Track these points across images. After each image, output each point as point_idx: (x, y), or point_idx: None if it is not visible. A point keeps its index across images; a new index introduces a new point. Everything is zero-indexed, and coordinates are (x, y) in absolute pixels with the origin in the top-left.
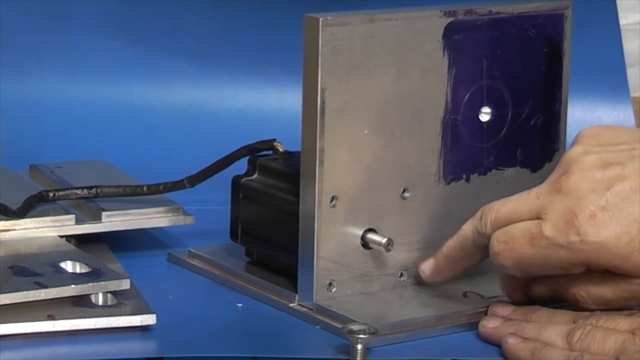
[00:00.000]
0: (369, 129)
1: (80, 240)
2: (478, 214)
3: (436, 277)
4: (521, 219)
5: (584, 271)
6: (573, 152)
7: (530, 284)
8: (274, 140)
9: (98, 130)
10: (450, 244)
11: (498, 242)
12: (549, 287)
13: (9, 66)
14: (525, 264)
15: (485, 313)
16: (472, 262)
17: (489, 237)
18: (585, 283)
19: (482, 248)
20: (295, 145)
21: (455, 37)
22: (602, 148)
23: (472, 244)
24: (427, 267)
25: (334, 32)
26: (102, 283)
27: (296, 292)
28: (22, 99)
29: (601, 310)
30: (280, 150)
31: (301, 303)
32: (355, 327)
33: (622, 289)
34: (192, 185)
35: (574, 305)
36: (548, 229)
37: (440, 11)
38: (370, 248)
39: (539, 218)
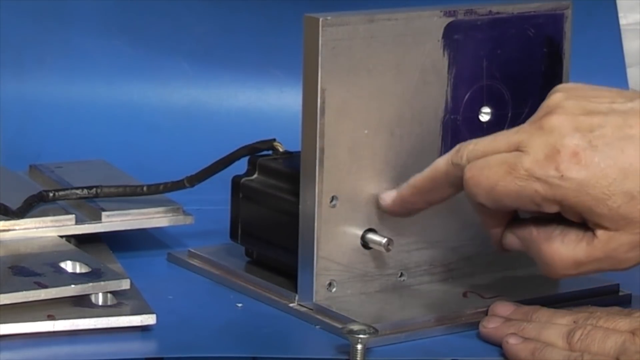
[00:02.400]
0: (369, 129)
1: (80, 240)
2: (455, 148)
3: (396, 208)
4: (499, 151)
5: (558, 230)
6: (555, 97)
7: (505, 231)
8: (274, 140)
9: (98, 130)
10: (420, 176)
11: (473, 168)
12: (521, 240)
13: (9, 66)
14: (498, 192)
15: (486, 313)
16: (440, 195)
17: (462, 168)
18: (558, 244)
19: (453, 181)
20: (295, 145)
21: (455, 37)
22: (583, 98)
23: (445, 176)
24: (388, 196)
25: (334, 32)
26: (102, 283)
27: (296, 292)
28: (22, 98)
29: (571, 275)
30: (280, 150)
31: (301, 303)
32: (355, 327)
33: (595, 248)
34: (192, 185)
35: (541, 271)
36: (527, 161)
37: (440, 11)
38: (370, 248)
39: (517, 151)
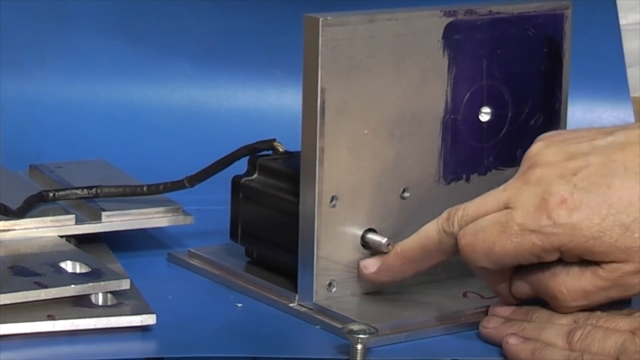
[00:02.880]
0: (369, 129)
1: (80, 240)
2: (444, 215)
3: (381, 277)
4: (489, 212)
5: (561, 265)
6: (535, 147)
7: (512, 280)
8: (274, 140)
9: (98, 130)
10: (408, 245)
11: (467, 234)
12: (528, 284)
13: (9, 66)
14: (496, 254)
15: (486, 313)
16: (431, 262)
17: (455, 236)
18: (564, 276)
19: (445, 249)
20: (295, 145)
21: (455, 37)
22: (562, 142)
23: (437, 245)
24: (371, 264)
25: (334, 32)
26: (102, 283)
27: (296, 292)
28: (22, 98)
29: (581, 309)
30: (280, 150)
31: (301, 303)
32: (355, 327)
33: (601, 278)
34: (192, 185)
35: (553, 308)
36: (518, 216)
37: (440, 11)
38: (370, 248)
39: (507, 209)
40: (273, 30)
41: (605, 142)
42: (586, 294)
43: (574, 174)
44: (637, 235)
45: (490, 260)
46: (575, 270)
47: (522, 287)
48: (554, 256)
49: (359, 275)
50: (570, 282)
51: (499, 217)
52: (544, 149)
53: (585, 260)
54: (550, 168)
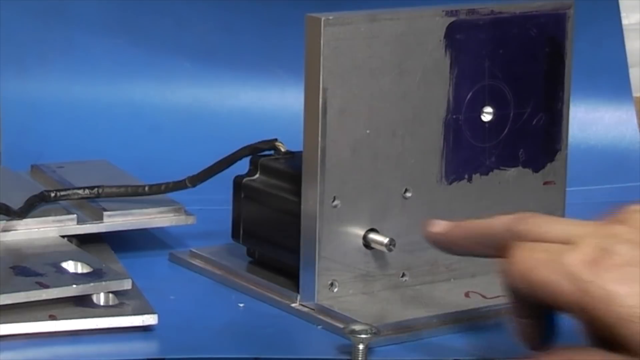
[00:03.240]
0: (371, 128)
1: (82, 240)
2: (517, 215)
3: (438, 237)
4: (557, 239)
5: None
6: (632, 207)
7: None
8: (276, 140)
9: (100, 129)
10: (475, 223)
11: (523, 248)
12: (531, 325)
13: (11, 65)
14: (528, 279)
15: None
16: (481, 250)
17: (514, 239)
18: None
19: (496, 245)
20: (297, 145)
21: (457, 36)
22: None
23: (494, 237)
24: (438, 224)
25: (336, 31)
26: (104, 283)
27: (298, 292)
28: (24, 98)
29: None
30: (282, 150)
31: (303, 303)
32: (357, 327)
33: None
34: (194, 185)
35: None
36: (571, 257)
37: (442, 11)
38: (372, 248)
39: (570, 244)
40: (275, 29)
41: None
42: None
43: (623, 241)
44: None
45: (524, 283)
46: (599, 353)
47: None
48: (581, 316)
49: (423, 233)
50: None
51: (557, 247)
52: (637, 213)
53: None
54: (630, 231)
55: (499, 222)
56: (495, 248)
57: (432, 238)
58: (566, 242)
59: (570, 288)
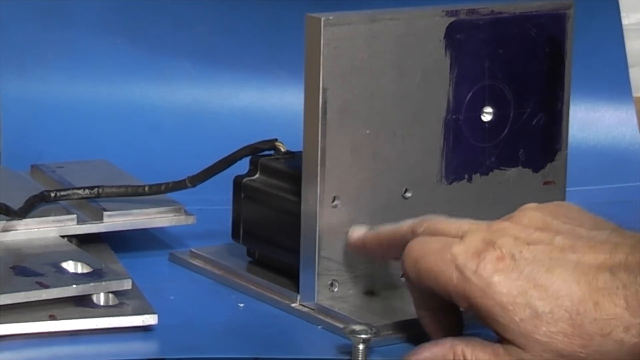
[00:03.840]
0: (371, 128)
1: (82, 240)
2: (421, 217)
3: (356, 246)
4: (450, 234)
5: (461, 337)
6: (528, 205)
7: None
8: (276, 140)
9: (100, 129)
10: (385, 228)
11: (418, 240)
12: (431, 317)
13: (11, 65)
14: (420, 267)
15: None
16: (393, 253)
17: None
18: (463, 347)
19: (403, 245)
20: (297, 145)
21: (457, 36)
22: (552, 214)
23: (401, 239)
24: (356, 232)
25: (336, 31)
26: (104, 283)
27: (298, 292)
28: (24, 98)
29: None
30: (282, 150)
31: (303, 303)
32: (357, 327)
33: (499, 358)
34: (194, 185)
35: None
36: (458, 248)
37: (442, 11)
38: None
39: (460, 237)
40: (275, 29)
41: (586, 234)
42: None
43: (529, 244)
44: (543, 329)
45: (413, 270)
46: (475, 345)
47: (424, 317)
48: (463, 304)
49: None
50: (469, 353)
51: (447, 240)
52: (530, 211)
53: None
54: (517, 228)
55: (405, 225)
56: (403, 248)
57: (350, 245)
58: (457, 236)
59: (454, 276)
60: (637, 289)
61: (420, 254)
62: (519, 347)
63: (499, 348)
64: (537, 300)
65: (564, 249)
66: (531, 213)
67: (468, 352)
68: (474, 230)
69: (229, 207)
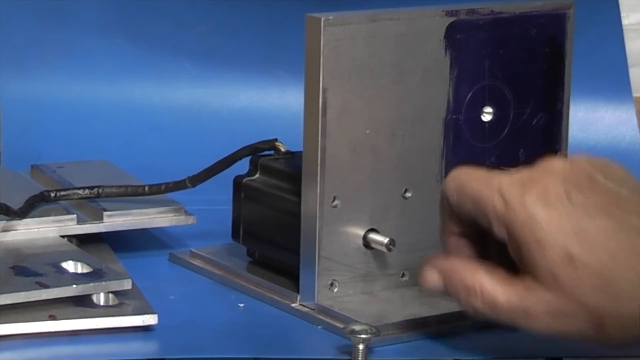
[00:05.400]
0: (371, 128)
1: (82, 240)
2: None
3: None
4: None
5: (489, 267)
6: (580, 155)
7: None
8: (276, 140)
9: (100, 129)
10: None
11: (462, 170)
12: (442, 273)
13: (11, 65)
14: (464, 191)
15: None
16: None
17: None
18: (483, 275)
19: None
20: (297, 145)
21: (457, 37)
22: (601, 171)
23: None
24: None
25: (336, 31)
26: (104, 283)
27: (298, 292)
28: (24, 98)
29: (486, 315)
30: (282, 150)
31: (303, 303)
32: (357, 327)
33: (516, 293)
34: (194, 185)
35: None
36: (505, 178)
37: (442, 11)
38: (372, 248)
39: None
40: (275, 29)
41: (630, 196)
42: (493, 304)
43: (577, 188)
44: (573, 274)
45: (457, 194)
46: (497, 275)
47: (432, 277)
48: (501, 233)
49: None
50: (485, 283)
51: (492, 171)
52: (580, 161)
53: (512, 272)
54: (566, 171)
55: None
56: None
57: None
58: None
59: (498, 203)
60: None
61: (465, 178)
62: (542, 284)
63: (518, 285)
64: (575, 245)
65: (610, 203)
66: (582, 162)
67: (486, 282)
68: (522, 169)
69: (229, 207)
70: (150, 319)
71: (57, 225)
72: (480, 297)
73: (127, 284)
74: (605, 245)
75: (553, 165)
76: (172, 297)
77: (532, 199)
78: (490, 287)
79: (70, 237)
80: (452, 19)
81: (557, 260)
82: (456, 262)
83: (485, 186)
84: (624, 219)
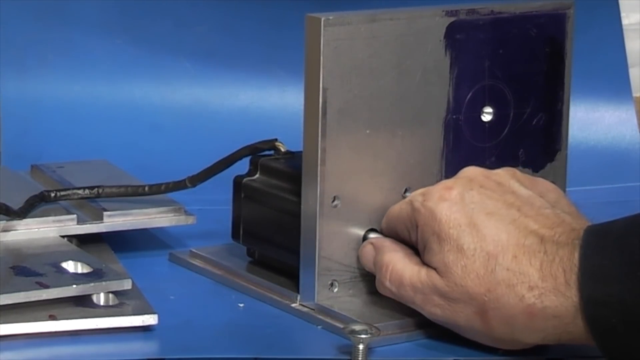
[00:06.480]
0: (371, 128)
1: (82, 240)
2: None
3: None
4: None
5: (409, 250)
6: (510, 169)
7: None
8: (276, 140)
9: (100, 129)
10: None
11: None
12: (375, 247)
13: (11, 65)
14: (388, 214)
15: None
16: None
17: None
18: (398, 256)
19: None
20: (297, 145)
21: (457, 37)
22: (522, 182)
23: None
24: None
25: (336, 31)
26: (104, 283)
27: (298, 292)
28: (24, 98)
29: (392, 293)
30: (282, 150)
31: (303, 303)
32: (357, 327)
33: (418, 277)
34: (194, 185)
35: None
36: (415, 192)
37: (442, 11)
38: None
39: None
40: (275, 29)
41: (538, 204)
42: (399, 283)
43: (481, 187)
44: (462, 263)
45: (384, 223)
46: (412, 259)
47: (368, 250)
48: (414, 237)
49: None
50: (398, 263)
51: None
52: (504, 171)
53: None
54: (478, 175)
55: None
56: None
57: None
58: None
59: (407, 211)
60: (555, 259)
61: (390, 210)
62: (438, 274)
63: (422, 268)
64: (466, 236)
65: (511, 205)
66: (503, 172)
67: (398, 262)
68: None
69: (229, 207)
70: (150, 319)
71: (57, 225)
72: (388, 275)
73: (127, 284)
74: (494, 238)
75: (468, 171)
76: (172, 297)
77: (434, 199)
78: (399, 267)
79: (70, 237)
80: (452, 19)
81: (449, 250)
82: (386, 241)
83: (402, 203)
84: (521, 221)
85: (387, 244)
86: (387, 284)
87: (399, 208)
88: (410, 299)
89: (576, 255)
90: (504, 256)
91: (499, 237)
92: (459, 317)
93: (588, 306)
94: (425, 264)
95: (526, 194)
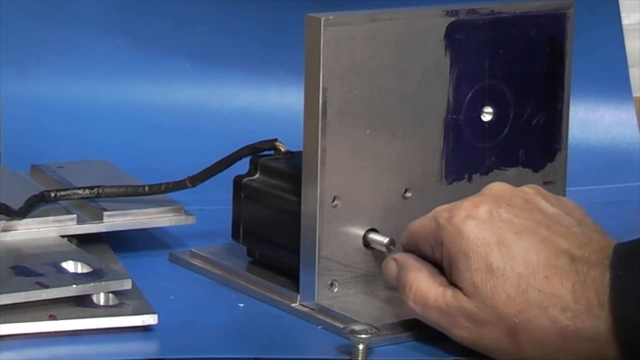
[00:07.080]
0: (371, 128)
1: (82, 240)
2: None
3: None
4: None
5: (431, 269)
6: (535, 186)
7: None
8: (276, 140)
9: (100, 129)
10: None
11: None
12: (398, 264)
13: (11, 65)
14: (411, 229)
15: None
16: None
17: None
18: (423, 275)
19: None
20: (297, 145)
21: (457, 37)
22: (548, 200)
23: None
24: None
25: (336, 31)
26: (104, 283)
27: (298, 292)
28: (24, 98)
29: (417, 313)
30: (282, 150)
31: (303, 303)
32: (357, 327)
33: (444, 298)
34: (194, 185)
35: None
36: (440, 207)
37: (442, 11)
38: (372, 248)
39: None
40: (275, 29)
41: (567, 223)
42: (424, 304)
43: (509, 205)
44: (491, 283)
45: (405, 238)
46: (436, 280)
47: (391, 266)
48: (439, 254)
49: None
50: (423, 283)
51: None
52: (529, 188)
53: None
54: (505, 192)
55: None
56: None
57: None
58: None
59: (432, 227)
60: (587, 281)
61: (411, 225)
62: (465, 294)
63: (448, 290)
64: (495, 255)
65: (540, 223)
66: (529, 189)
67: (423, 282)
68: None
69: (229, 207)
70: (150, 319)
71: (57, 225)
72: (412, 294)
73: (127, 284)
74: (525, 258)
75: (493, 187)
76: (172, 297)
77: (460, 216)
78: (424, 287)
79: (70, 237)
80: (452, 19)
81: (478, 270)
82: (410, 258)
83: (424, 219)
84: (550, 240)
85: (411, 261)
86: (411, 304)
87: (422, 224)
88: (435, 321)
89: (608, 276)
90: (536, 277)
91: (529, 256)
92: (487, 339)
93: (621, 329)
94: (451, 283)
95: (553, 211)
